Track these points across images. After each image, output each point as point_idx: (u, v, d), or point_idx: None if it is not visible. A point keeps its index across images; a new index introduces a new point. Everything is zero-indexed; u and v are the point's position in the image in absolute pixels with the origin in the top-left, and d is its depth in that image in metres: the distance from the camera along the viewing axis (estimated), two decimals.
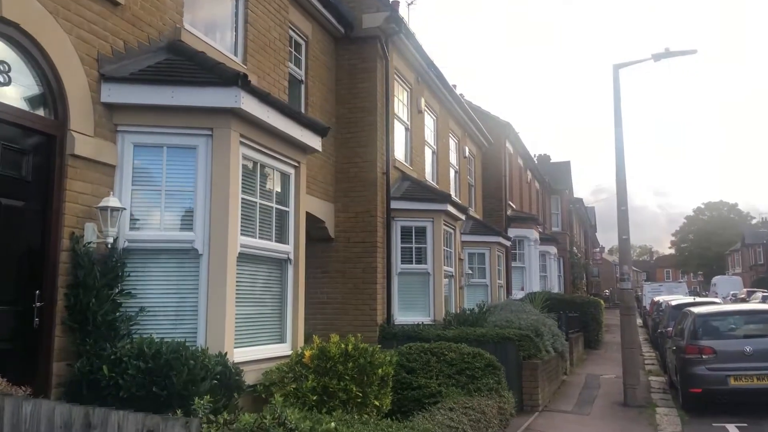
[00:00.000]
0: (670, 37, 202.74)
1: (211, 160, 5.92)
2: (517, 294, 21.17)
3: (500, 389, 8.59)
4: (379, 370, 6.63)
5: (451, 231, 13.69)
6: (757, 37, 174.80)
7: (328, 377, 6.26)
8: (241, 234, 6.18)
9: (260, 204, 6.63)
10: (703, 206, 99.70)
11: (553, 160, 39.28)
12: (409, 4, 19.30)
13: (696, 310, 11.89)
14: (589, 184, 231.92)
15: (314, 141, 7.45)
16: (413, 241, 12.56)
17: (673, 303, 17.59)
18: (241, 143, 6.17)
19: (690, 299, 18.47)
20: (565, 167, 38.17)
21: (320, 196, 11.45)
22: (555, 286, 29.08)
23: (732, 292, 47.90)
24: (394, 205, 12.25)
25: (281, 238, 7.07)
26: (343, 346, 6.56)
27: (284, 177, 7.19)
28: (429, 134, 15.54)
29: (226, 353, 5.59)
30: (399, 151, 13.34)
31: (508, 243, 20.32)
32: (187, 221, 5.97)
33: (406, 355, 8.90)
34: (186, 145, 5.98)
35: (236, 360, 5.88)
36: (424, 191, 12.67)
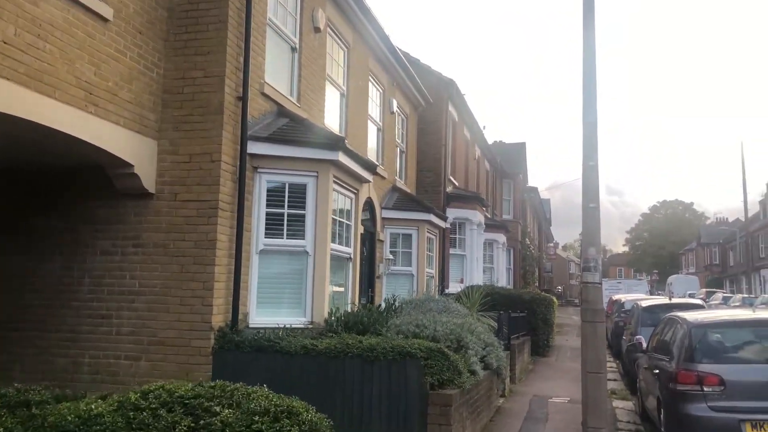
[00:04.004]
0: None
1: None
2: (455, 287, 17.31)
3: None
4: None
5: (351, 196, 9.69)
6: (712, 27, 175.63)
7: None
8: None
9: None
10: (658, 204, 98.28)
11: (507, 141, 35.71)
12: None
13: (689, 317, 8.15)
14: (545, 180, 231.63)
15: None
16: (286, 205, 8.50)
17: (645, 304, 13.96)
18: None
19: (664, 300, 14.96)
20: (519, 149, 34.54)
21: (128, 124, 7.29)
22: (503, 280, 25.47)
23: (689, 292, 45.38)
24: (256, 148, 8.17)
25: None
26: None
27: None
28: (334, 68, 11.48)
29: None
30: (278, 78, 9.26)
31: (443, 224, 16.46)
32: None
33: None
34: None
35: None
36: (305, 132, 8.61)
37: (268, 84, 8.72)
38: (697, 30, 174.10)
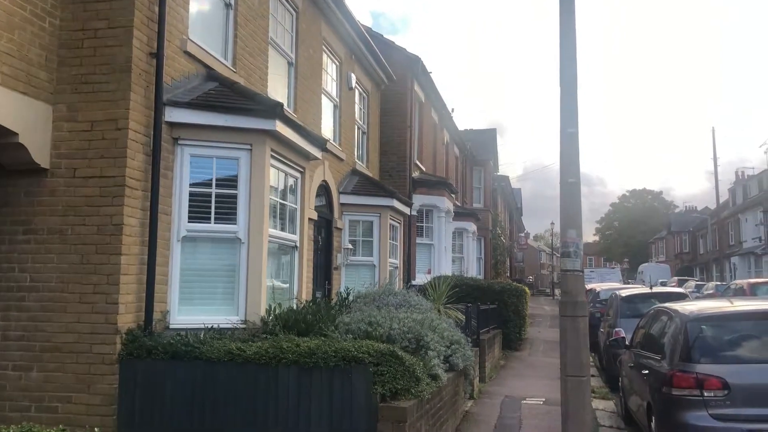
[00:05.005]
0: None
1: None
2: (423, 278, 16.14)
3: None
4: None
5: (296, 175, 8.42)
6: (684, 26, 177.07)
7: None
8: None
9: None
10: (628, 194, 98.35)
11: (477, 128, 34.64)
12: None
13: (683, 309, 7.06)
14: (517, 169, 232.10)
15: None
16: (214, 183, 7.21)
17: (624, 294, 12.95)
18: None
19: (644, 289, 14.00)
20: (489, 135, 33.52)
21: (7, 81, 5.92)
22: (473, 270, 24.41)
23: (660, 281, 44.99)
24: (176, 115, 6.86)
25: None
26: None
27: None
28: (280, 32, 10.17)
29: None
30: (208, 36, 7.95)
31: (408, 211, 15.26)
32: None
33: None
34: None
35: None
36: (236, 97, 7.31)
37: (193, 42, 7.40)
38: (665, 17, 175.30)
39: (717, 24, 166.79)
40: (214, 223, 7.12)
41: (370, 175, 14.86)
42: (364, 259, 13.29)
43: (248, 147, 7.20)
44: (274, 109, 7.19)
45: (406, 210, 14.75)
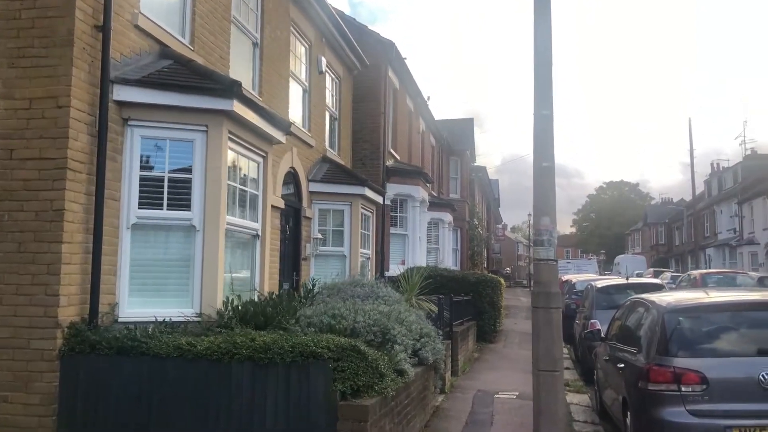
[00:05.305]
0: None
1: None
2: (397, 269, 15.80)
3: None
4: None
5: (258, 159, 7.99)
6: (652, 19, 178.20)
7: None
8: None
9: None
10: (605, 185, 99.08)
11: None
12: None
13: (660, 300, 6.77)
14: (494, 159, 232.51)
15: None
16: (167, 167, 6.77)
17: (600, 285, 12.71)
18: None
19: (621, 280, 13.79)
20: (467, 125, 33.17)
21: None
22: (449, 261, 24.13)
23: (636, 272, 45.18)
24: (126, 94, 6.40)
25: None
26: None
27: None
28: (243, 10, 9.68)
29: None
30: (162, 11, 7.46)
31: (381, 200, 14.89)
32: None
33: None
34: None
35: None
36: (191, 75, 6.85)
37: (145, 16, 6.92)
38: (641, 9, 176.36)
39: (701, 14, 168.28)
40: (167, 209, 6.68)
41: (342, 163, 14.45)
42: (335, 250, 12.90)
43: (204, 128, 6.76)
44: (231, 88, 6.74)
45: (378, 199, 14.38)
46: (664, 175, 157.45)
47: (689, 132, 41.39)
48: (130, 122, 6.53)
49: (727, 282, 21.14)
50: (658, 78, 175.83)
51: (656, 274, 39.71)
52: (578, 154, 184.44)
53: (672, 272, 39.35)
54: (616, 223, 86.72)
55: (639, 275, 42.19)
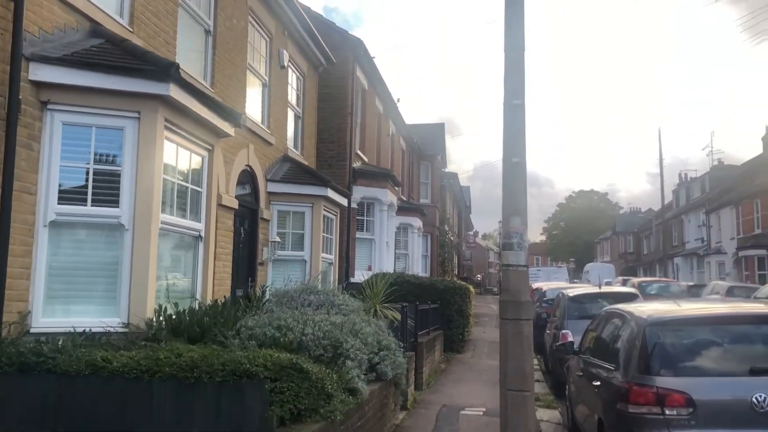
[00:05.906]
0: None
1: None
2: (363, 275, 15.09)
3: None
4: None
5: (203, 153, 7.24)
6: (628, 21, 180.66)
7: None
8: None
9: None
10: (574, 194, 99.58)
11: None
12: None
13: (639, 311, 6.18)
14: (466, 166, 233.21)
15: None
16: (92, 158, 5.99)
17: (571, 293, 12.16)
18: None
19: (593, 289, 13.28)
20: (438, 130, 32.66)
21: None
22: (418, 268, 23.50)
23: (606, 280, 45.09)
24: (44, 73, 5.62)
25: None
26: None
27: None
28: None
29: None
30: None
31: (346, 202, 14.19)
32: None
33: None
34: None
35: None
36: (124, 56, 6.09)
37: None
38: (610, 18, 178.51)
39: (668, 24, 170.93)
40: (92, 205, 5.91)
41: (305, 163, 13.73)
42: (295, 254, 12.16)
43: (136, 115, 6.01)
44: (167, 70, 6.00)
45: (343, 201, 13.68)
46: (632, 184, 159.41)
47: (659, 142, 41.46)
48: (50, 106, 5.75)
49: (665, 289, 24.17)
50: (630, 76, 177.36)
51: (624, 283, 39.66)
52: (549, 163, 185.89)
53: (639, 280, 39.30)
54: (586, 232, 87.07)
55: (608, 283, 42.05)
